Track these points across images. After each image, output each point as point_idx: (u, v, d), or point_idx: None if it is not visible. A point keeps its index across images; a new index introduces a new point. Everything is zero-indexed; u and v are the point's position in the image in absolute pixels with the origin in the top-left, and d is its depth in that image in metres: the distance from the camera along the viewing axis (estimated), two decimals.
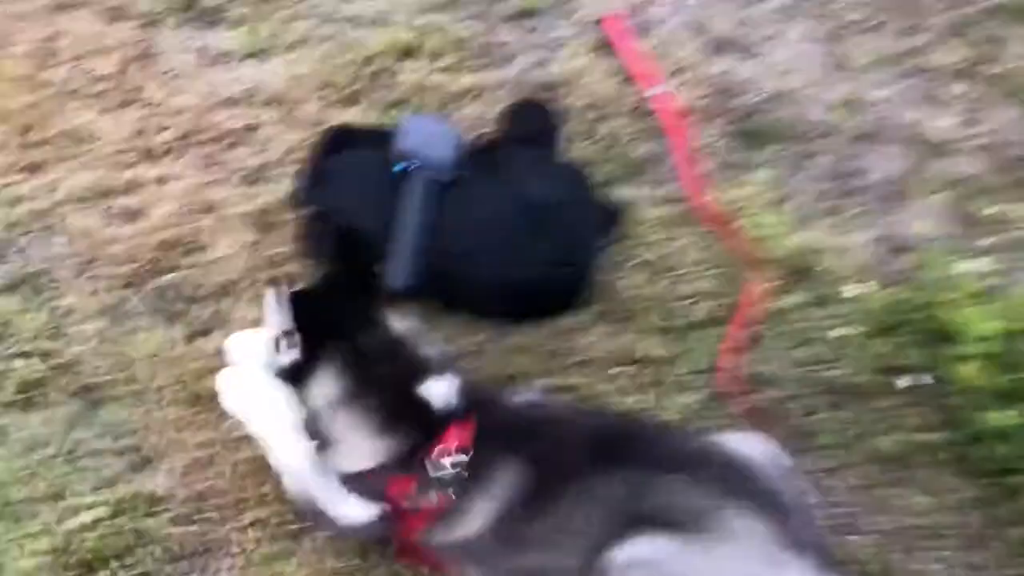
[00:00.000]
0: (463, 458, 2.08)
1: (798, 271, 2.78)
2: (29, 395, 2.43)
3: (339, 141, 2.72)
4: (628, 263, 2.82)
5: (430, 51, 3.16)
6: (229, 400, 2.29)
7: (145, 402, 2.44)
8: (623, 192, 2.94)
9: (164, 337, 2.56)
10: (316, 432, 2.14)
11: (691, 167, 2.94)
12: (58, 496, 2.28)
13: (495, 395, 2.25)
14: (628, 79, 3.14)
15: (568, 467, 2.10)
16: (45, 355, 2.49)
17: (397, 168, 2.58)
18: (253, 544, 2.24)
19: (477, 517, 2.10)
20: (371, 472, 2.10)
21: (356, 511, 2.16)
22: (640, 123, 3.09)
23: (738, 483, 2.02)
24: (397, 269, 2.45)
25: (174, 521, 2.27)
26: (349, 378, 2.10)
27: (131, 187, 2.88)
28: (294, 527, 2.27)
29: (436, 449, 2.08)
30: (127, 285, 2.67)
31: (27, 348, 2.50)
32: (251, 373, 2.21)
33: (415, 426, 2.10)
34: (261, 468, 2.26)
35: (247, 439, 2.30)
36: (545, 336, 2.67)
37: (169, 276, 2.68)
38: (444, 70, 3.14)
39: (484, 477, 2.12)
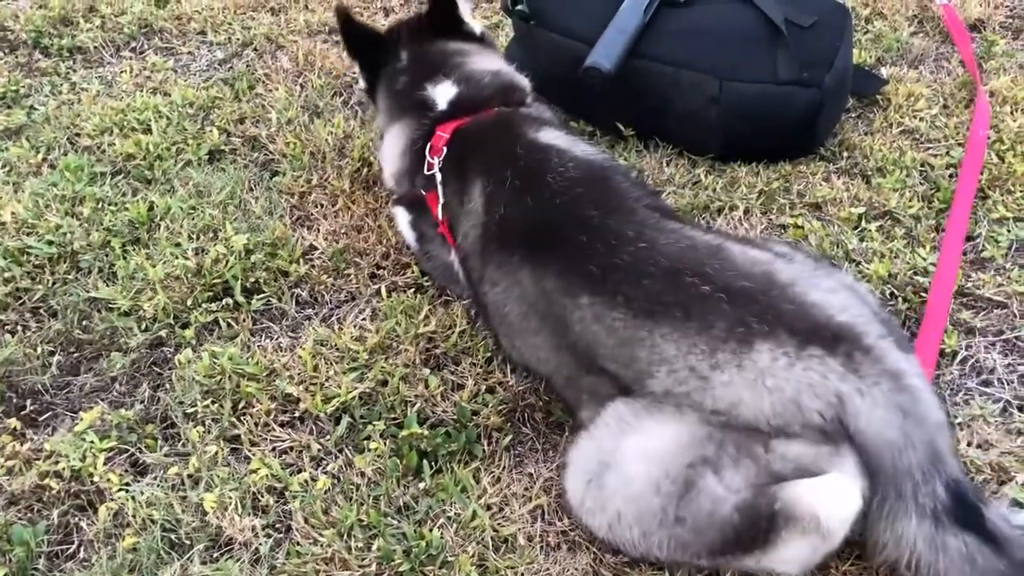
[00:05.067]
0: (436, 163, 1.87)
1: None
2: (217, 159, 2.40)
3: None
4: (888, 128, 2.35)
5: None
6: None
7: (321, 173, 2.29)
8: (890, 71, 2.56)
9: (357, 129, 2.43)
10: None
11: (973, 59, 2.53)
12: (210, 229, 2.12)
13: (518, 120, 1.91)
14: None
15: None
16: (242, 134, 2.44)
17: None
18: (382, 298, 1.94)
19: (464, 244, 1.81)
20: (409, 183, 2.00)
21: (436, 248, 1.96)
22: (917, 26, 2.79)
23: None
24: (604, 51, 2.15)
25: (312, 269, 2.03)
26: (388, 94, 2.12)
27: None
28: (424, 291, 2.00)
29: (428, 150, 1.91)
30: (334, 93, 2.59)
31: (228, 127, 2.48)
32: None
33: (416, 122, 1.98)
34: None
35: None
36: (772, 176, 2.22)
37: None
38: None
39: (465, 194, 1.81)
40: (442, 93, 1.99)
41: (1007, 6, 2.85)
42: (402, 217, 2.01)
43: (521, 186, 1.69)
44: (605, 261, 1.51)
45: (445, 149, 1.88)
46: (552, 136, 1.84)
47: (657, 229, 1.56)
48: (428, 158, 1.89)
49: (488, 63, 2.09)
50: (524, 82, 2.10)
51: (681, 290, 1.44)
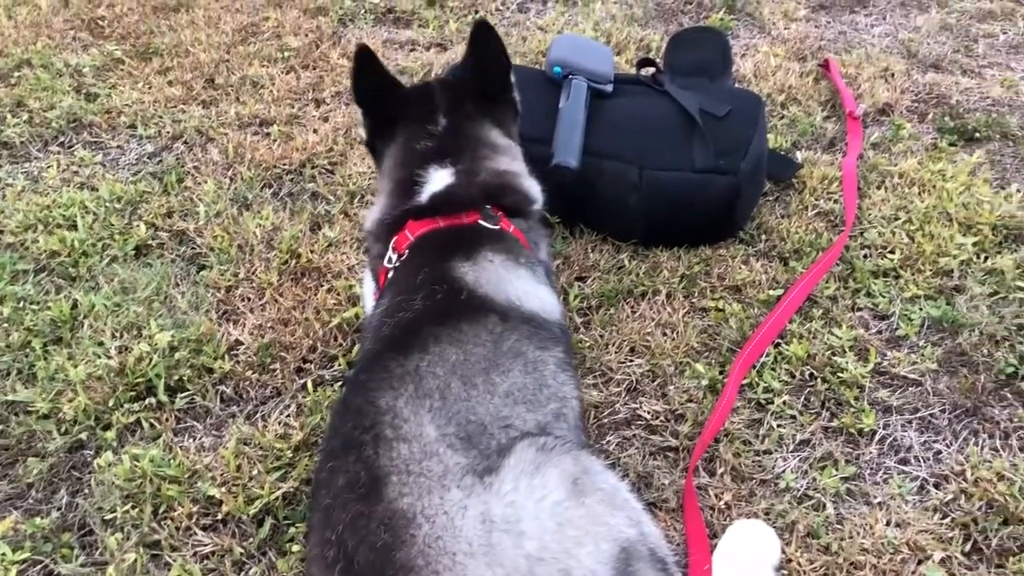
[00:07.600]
0: (394, 258, 1.73)
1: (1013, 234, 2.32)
2: (144, 254, 2.39)
3: None
4: (804, 211, 2.44)
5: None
6: None
7: (249, 266, 2.29)
8: (805, 155, 2.67)
9: (286, 221, 2.44)
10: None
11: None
12: (134, 327, 2.10)
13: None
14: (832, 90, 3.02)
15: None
16: (169, 228, 2.43)
17: (556, 71, 2.41)
18: (308, 393, 1.93)
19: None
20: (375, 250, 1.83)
21: None
22: (830, 111, 2.93)
23: None
24: (567, 149, 2.19)
25: (237, 365, 2.01)
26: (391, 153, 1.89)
27: (292, 120, 2.91)
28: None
29: (395, 238, 1.75)
30: (264, 185, 2.61)
31: (156, 221, 2.46)
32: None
33: (399, 204, 1.79)
34: (333, 333, 2.11)
35: (327, 309, 2.16)
36: (693, 260, 2.28)
37: (302, 181, 2.66)
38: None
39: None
40: (436, 181, 1.78)
41: (912, 91, 3.00)
42: (368, 285, 1.87)
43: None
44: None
45: (407, 251, 1.72)
46: (483, 275, 1.63)
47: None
48: (389, 251, 1.74)
49: (504, 160, 1.87)
50: (530, 189, 1.88)
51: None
